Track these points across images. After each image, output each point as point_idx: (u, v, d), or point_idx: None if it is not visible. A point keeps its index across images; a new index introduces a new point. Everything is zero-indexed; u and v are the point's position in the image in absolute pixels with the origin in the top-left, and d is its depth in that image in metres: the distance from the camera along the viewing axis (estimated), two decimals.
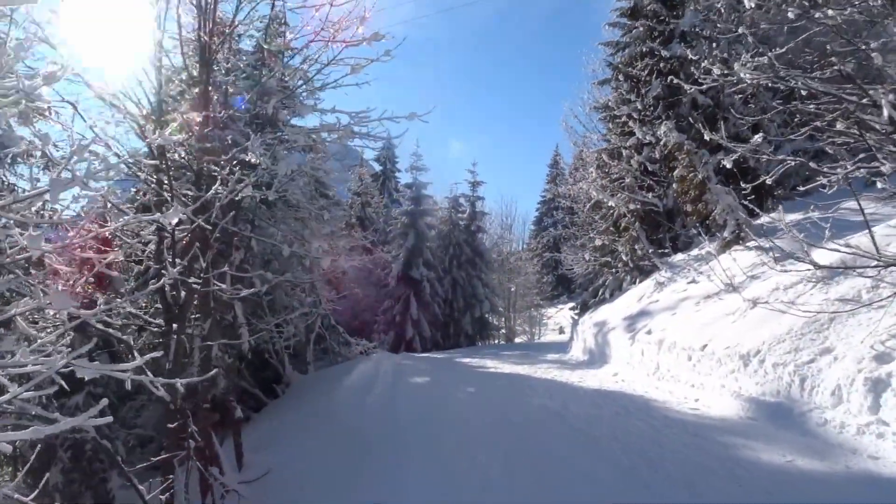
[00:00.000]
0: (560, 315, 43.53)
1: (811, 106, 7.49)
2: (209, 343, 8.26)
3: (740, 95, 16.57)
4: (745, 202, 15.14)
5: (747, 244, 13.20)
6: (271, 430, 10.41)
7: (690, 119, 16.40)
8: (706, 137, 8.13)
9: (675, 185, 15.13)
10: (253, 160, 7.31)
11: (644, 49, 17.55)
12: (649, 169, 17.17)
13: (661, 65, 17.11)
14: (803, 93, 7.78)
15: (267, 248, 13.43)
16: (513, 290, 36.83)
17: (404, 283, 27.82)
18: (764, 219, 14.08)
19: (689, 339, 9.74)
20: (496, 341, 35.61)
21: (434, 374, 12.82)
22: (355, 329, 29.04)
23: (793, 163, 7.35)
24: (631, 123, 17.01)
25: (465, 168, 33.43)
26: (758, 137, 7.77)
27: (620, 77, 18.08)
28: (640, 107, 17.08)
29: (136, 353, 7.43)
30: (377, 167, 44.95)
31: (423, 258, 28.04)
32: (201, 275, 7.35)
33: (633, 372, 11.41)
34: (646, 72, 17.33)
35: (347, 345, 16.02)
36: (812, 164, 7.21)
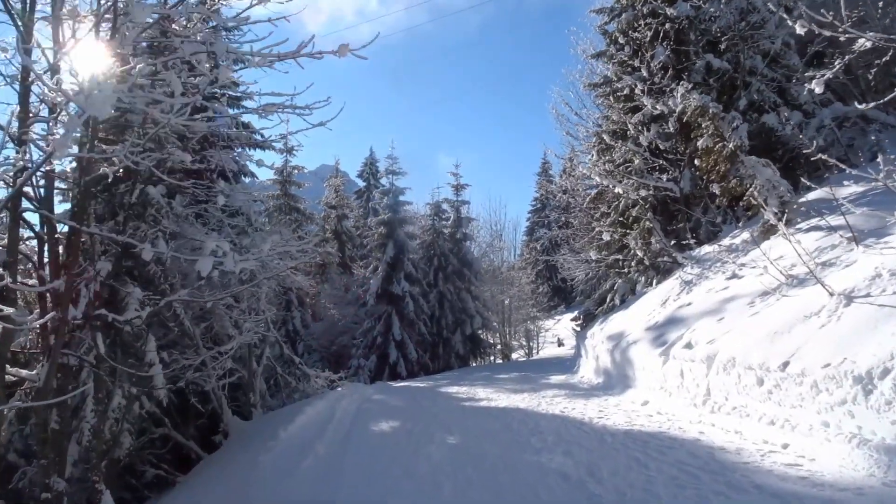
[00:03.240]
0: (558, 326, 40.73)
1: None
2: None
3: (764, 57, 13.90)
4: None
5: (798, 226, 10.39)
6: None
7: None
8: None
9: (697, 162, 12.31)
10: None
11: (646, 10, 14.85)
12: (661, 147, 14.39)
13: (667, 25, 14.40)
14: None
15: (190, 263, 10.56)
16: (507, 302, 33.94)
17: (385, 301, 24.86)
18: (816, 193, 11.34)
19: (757, 353, 6.87)
20: (492, 359, 32.65)
21: (407, 414, 9.85)
22: (332, 355, 26.11)
23: None
24: (638, 92, 14.20)
25: (448, 172, 30.26)
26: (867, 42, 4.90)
27: (621, 40, 15.30)
28: (646, 74, 14.31)
29: None
30: (360, 183, 42.24)
31: (405, 271, 25.12)
32: None
33: (671, 401, 8.52)
34: (650, 34, 14.59)
35: (306, 378, 13.05)
36: None
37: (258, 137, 15.01)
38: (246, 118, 14.79)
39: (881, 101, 4.83)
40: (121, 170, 7.45)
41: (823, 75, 5.27)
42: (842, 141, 13.16)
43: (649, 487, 4.91)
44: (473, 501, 5.01)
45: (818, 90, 5.36)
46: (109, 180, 7.17)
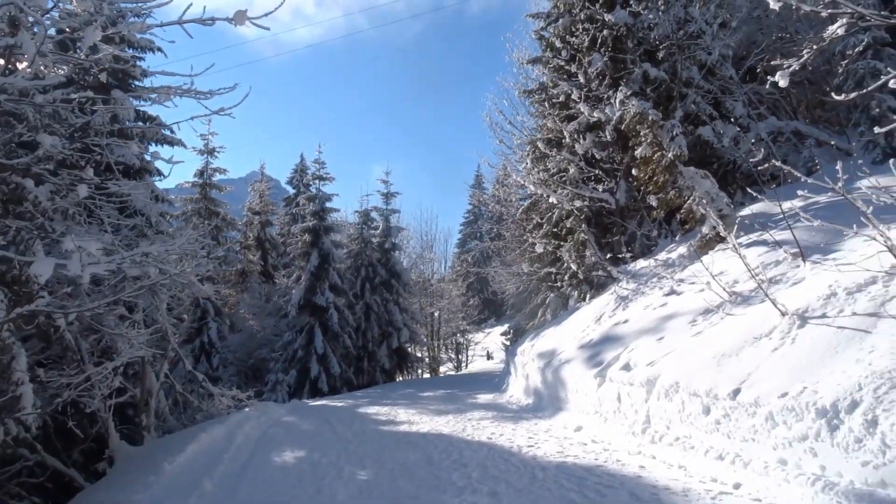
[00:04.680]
0: (488, 340, 40.26)
1: None
2: None
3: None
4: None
5: (738, 241, 9.92)
6: None
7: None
8: None
9: (634, 171, 11.81)
10: None
11: (584, 15, 14.34)
12: (597, 157, 13.87)
13: (605, 32, 13.92)
14: None
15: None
16: (436, 315, 33.15)
17: (307, 312, 23.55)
18: (754, 207, 10.96)
19: (703, 378, 6.21)
20: (419, 372, 31.73)
21: (316, 441, 8.79)
22: (250, 369, 24.68)
23: None
24: (575, 99, 13.64)
25: (378, 179, 29.20)
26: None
27: (558, 45, 14.75)
28: (583, 80, 13.77)
29: None
30: (290, 190, 40.78)
31: (330, 281, 23.90)
32: None
33: (607, 427, 7.80)
34: (587, 40, 14.07)
35: (210, 397, 11.79)
36: None
37: (166, 132, 13.74)
38: (152, 111, 13.53)
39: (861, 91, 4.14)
40: None
41: (790, 66, 4.64)
42: (776, 156, 12.92)
43: None
44: None
45: (783, 83, 4.74)
46: None
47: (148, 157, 12.73)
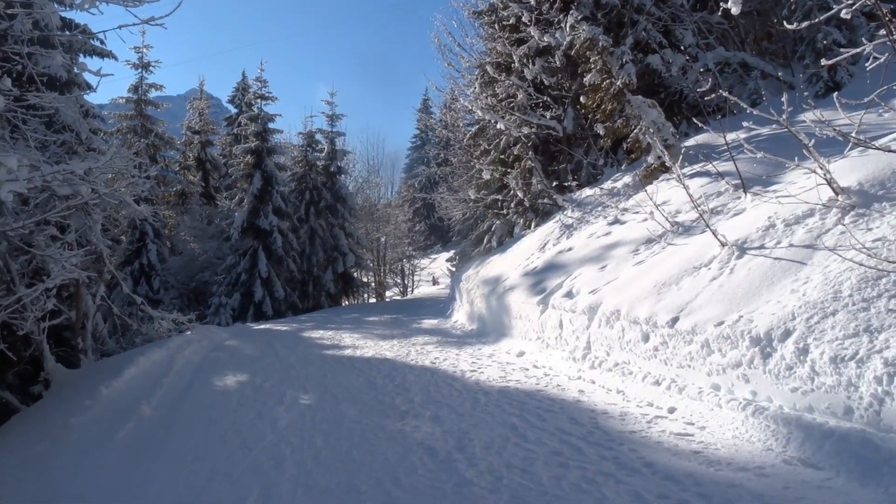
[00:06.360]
0: (434, 266, 40.49)
1: None
2: None
3: None
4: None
5: (682, 171, 10.01)
6: None
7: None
8: None
9: (582, 99, 11.67)
10: None
11: None
12: (546, 83, 13.66)
13: None
14: None
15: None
16: (382, 240, 33.00)
17: (251, 235, 23.08)
18: (698, 138, 11.06)
19: (643, 307, 6.33)
20: (365, 297, 31.83)
21: (259, 365, 8.75)
22: (192, 292, 24.29)
23: None
24: (525, 21, 13.29)
25: (322, 100, 28.24)
26: None
27: None
28: (533, 2, 13.41)
29: None
30: (232, 109, 39.22)
31: (274, 204, 23.37)
32: None
33: (549, 353, 7.96)
34: None
35: (150, 320, 11.55)
36: None
37: (95, 42, 12.89)
38: (79, 19, 12.61)
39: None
40: None
41: None
42: (722, 86, 12.96)
43: (528, 468, 4.17)
44: (314, 488, 4.08)
45: (735, 10, 4.66)
46: None
47: (76, 70, 11.98)
